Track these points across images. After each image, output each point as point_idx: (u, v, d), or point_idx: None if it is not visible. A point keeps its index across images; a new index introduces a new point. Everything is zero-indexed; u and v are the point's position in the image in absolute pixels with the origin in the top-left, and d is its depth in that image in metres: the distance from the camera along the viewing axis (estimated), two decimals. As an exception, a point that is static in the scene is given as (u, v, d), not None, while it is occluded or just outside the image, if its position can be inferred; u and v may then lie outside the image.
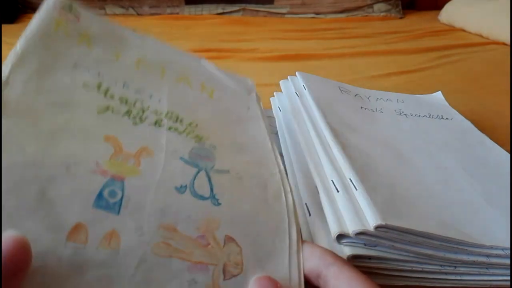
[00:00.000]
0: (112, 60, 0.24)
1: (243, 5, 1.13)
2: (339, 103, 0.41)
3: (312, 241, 0.25)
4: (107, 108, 0.21)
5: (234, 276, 0.18)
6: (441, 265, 0.25)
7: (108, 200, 0.17)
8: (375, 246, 0.24)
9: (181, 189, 0.19)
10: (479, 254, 0.26)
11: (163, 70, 0.26)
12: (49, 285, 0.14)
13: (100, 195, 0.17)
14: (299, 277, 0.19)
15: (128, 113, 0.21)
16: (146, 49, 0.26)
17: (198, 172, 0.21)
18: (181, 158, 0.21)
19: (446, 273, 0.26)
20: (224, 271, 0.18)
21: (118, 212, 0.17)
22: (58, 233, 0.15)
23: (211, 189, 0.20)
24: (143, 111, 0.22)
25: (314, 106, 0.38)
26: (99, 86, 0.22)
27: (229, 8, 1.12)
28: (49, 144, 0.18)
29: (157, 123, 0.22)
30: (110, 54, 0.24)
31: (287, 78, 0.45)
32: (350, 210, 0.25)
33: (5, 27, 0.83)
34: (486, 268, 0.26)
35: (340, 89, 0.46)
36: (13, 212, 0.15)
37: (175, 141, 0.22)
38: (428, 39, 0.97)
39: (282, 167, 0.25)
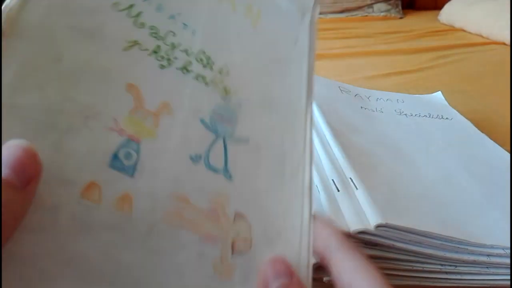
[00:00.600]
0: None
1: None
2: (339, 103, 0.41)
3: None
4: (135, 43, 0.18)
5: (243, 252, 0.18)
6: (441, 265, 0.25)
7: (123, 162, 0.16)
8: (375, 245, 0.24)
9: (195, 158, 0.18)
10: (480, 254, 0.26)
11: None
12: (60, 242, 0.14)
13: (115, 156, 0.16)
14: (308, 259, 0.18)
15: (156, 51, 0.19)
16: None
17: (215, 140, 0.19)
18: (202, 121, 0.19)
19: (446, 273, 0.26)
20: (232, 246, 0.17)
21: (133, 175, 0.16)
22: (72, 188, 0.15)
23: (225, 162, 0.19)
24: (173, 49, 0.19)
25: (314, 106, 0.38)
26: (130, 7, 0.18)
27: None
28: (70, 86, 0.16)
29: (185, 67, 0.19)
30: None
31: (287, 78, 0.45)
32: (350, 209, 0.25)
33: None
34: (487, 267, 0.26)
35: (340, 89, 0.46)
36: None
37: (199, 96, 0.19)
38: (428, 39, 0.97)
39: (309, 132, 0.22)
